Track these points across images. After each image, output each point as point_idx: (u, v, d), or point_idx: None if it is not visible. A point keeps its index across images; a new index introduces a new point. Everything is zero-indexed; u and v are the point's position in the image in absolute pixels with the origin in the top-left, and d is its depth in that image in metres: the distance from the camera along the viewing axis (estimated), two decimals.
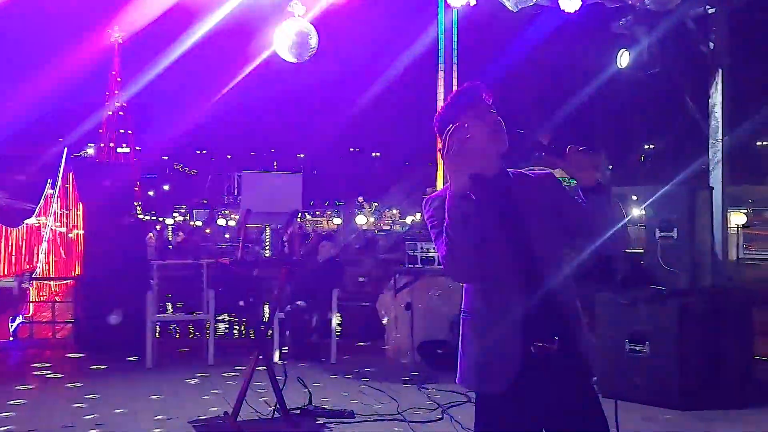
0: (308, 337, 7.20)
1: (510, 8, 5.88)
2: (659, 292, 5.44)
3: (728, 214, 7.35)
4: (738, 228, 21.12)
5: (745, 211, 27.44)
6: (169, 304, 9.94)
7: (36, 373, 6.38)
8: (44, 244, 17.03)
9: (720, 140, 6.42)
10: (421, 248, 6.70)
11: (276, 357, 6.75)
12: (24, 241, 17.08)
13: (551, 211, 2.10)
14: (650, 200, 5.74)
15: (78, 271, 9.85)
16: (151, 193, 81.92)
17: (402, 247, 7.90)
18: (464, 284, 2.16)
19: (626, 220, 2.09)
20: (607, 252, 2.14)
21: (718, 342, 5.27)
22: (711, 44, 6.36)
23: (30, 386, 5.88)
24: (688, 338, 5.22)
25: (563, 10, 6.00)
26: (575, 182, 2.09)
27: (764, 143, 37.24)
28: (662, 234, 5.62)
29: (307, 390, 5.13)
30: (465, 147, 1.89)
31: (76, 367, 6.72)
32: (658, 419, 4.97)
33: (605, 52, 6.49)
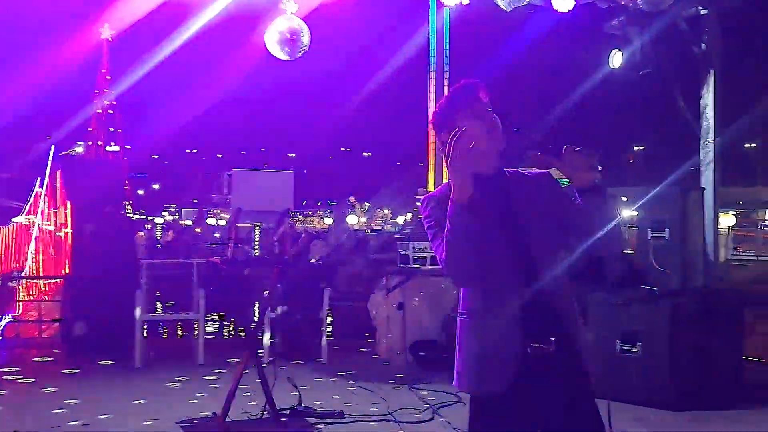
0: (298, 337, 7.16)
1: (503, 8, 5.86)
2: (651, 293, 5.44)
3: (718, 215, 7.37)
4: (728, 229, 21.24)
5: (734, 212, 27.61)
6: (158, 303, 9.86)
7: (21, 372, 6.31)
8: (32, 243, 16.88)
9: (711, 141, 6.44)
10: (414, 248, 6.67)
11: (265, 357, 6.70)
12: (13, 240, 16.91)
13: (548, 212, 2.08)
14: (642, 201, 5.74)
15: (66, 269, 9.75)
16: (140, 191, 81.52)
17: (394, 246, 7.88)
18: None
19: (618, 219, 2.07)
20: (602, 254, 2.12)
21: (709, 342, 5.27)
22: (703, 45, 6.37)
23: (24, 380, 5.82)
24: (680, 339, 5.22)
25: (556, 10, 6.00)
26: (568, 182, 2.06)
27: (753, 145, 37.49)
28: (654, 234, 5.62)
29: (297, 390, 5.09)
30: (469, 154, 1.86)
31: (62, 366, 6.65)
32: (649, 419, 4.96)
33: (598, 53, 6.49)
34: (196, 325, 7.07)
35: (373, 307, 7.46)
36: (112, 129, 75.47)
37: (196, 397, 5.51)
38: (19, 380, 6.04)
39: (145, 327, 7.63)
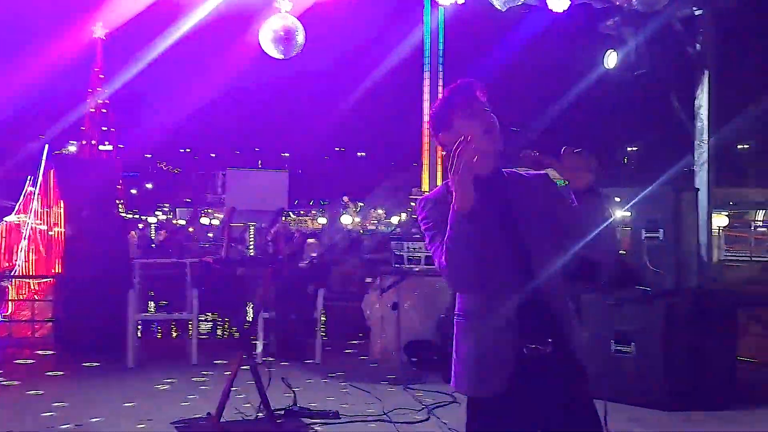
0: (292, 338, 7.13)
1: (498, 7, 5.85)
2: (645, 293, 5.44)
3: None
4: (720, 230, 21.32)
5: (727, 213, 27.71)
6: (151, 303, 9.82)
7: (13, 372, 6.27)
8: (24, 242, 16.80)
9: (706, 141, 6.45)
10: (408, 248, 6.66)
11: (260, 357, 6.68)
12: (3, 239, 16.83)
13: (545, 213, 2.07)
14: (636, 201, 5.75)
15: (58, 269, 9.69)
16: (133, 191, 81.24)
17: (387, 246, 7.87)
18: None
19: (613, 221, 2.06)
20: (597, 258, 2.12)
21: (703, 343, 5.28)
22: (698, 46, 6.38)
23: (13, 382, 5.78)
24: (674, 339, 5.23)
25: (551, 10, 5.99)
26: (564, 183, 2.05)
27: (745, 146, 37.68)
28: (648, 235, 5.63)
29: (291, 390, 5.07)
30: (473, 163, 1.85)
31: (55, 366, 6.60)
32: (643, 420, 4.97)
33: (593, 53, 6.49)
34: (189, 325, 7.04)
35: (367, 307, 7.44)
36: (105, 128, 75.21)
37: (190, 397, 5.48)
38: (11, 381, 5.99)
39: (139, 327, 7.60)
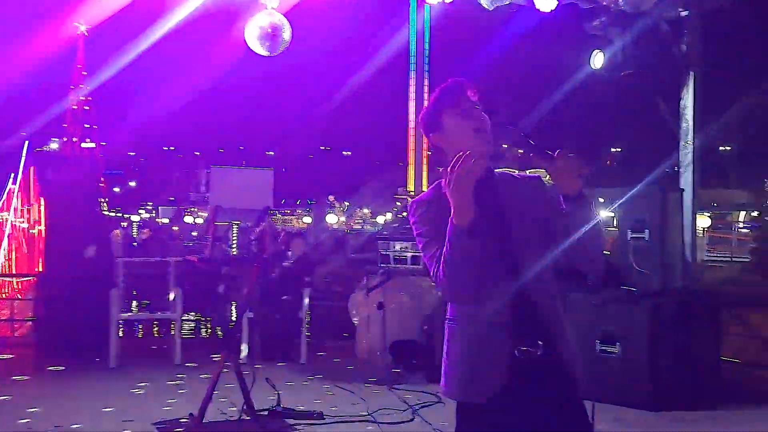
0: (277, 337, 7.08)
1: (486, 6, 5.83)
2: (630, 294, 5.45)
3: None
4: (702, 231, 21.53)
5: (709, 214, 28.00)
6: (134, 302, 9.72)
7: None
8: (5, 240, 16.59)
9: (691, 142, 6.47)
10: (394, 247, 6.63)
11: (243, 357, 6.61)
12: None
13: (537, 216, 2.04)
14: (621, 201, 5.76)
15: (39, 267, 9.56)
16: (116, 189, 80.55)
17: (373, 246, 7.83)
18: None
19: (599, 225, 2.03)
20: (582, 266, 2.10)
21: (688, 343, 5.30)
22: (684, 47, 6.40)
23: None
24: (659, 339, 5.24)
25: (539, 10, 5.98)
26: (550, 183, 2.03)
27: (727, 147, 38.05)
28: (634, 235, 5.64)
29: (275, 391, 5.02)
30: (470, 179, 1.82)
31: (36, 365, 6.51)
32: (629, 420, 4.98)
33: (579, 53, 6.49)
34: (173, 325, 6.97)
35: (353, 306, 7.41)
36: (87, 125, 74.49)
37: (173, 398, 5.41)
38: None
39: (121, 326, 7.51)
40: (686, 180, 6.54)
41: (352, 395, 5.54)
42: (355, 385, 5.81)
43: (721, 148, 36.77)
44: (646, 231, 5.57)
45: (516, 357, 1.95)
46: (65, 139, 69.38)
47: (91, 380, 5.99)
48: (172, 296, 6.85)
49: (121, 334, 7.29)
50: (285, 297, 7.09)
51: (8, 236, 16.84)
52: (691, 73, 6.42)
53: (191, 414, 4.66)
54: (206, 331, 12.57)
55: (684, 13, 6.37)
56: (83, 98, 72.08)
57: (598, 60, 6.35)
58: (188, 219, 44.19)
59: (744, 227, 26.88)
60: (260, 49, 5.67)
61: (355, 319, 7.36)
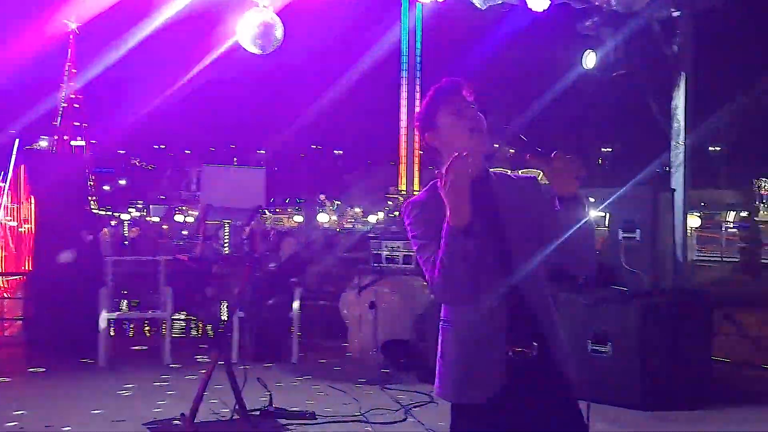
0: (268, 337, 7.05)
1: (478, 6, 5.83)
2: (622, 293, 5.46)
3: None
4: (691, 231, 21.64)
5: (699, 214, 28.15)
6: (124, 301, 9.66)
7: None
8: None
9: (682, 143, 6.49)
10: (386, 247, 6.62)
11: (235, 357, 6.59)
12: None
13: (532, 217, 2.03)
14: (611, 201, 5.77)
15: (28, 266, 9.49)
16: (106, 187, 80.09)
17: (365, 245, 7.82)
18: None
19: (590, 228, 2.03)
20: (573, 268, 2.09)
21: (679, 343, 5.31)
22: (675, 47, 6.42)
23: None
24: (651, 339, 5.25)
25: (531, 10, 5.98)
26: (548, 186, 2.02)
27: (716, 148, 38.27)
28: (625, 235, 5.65)
29: (267, 391, 5.00)
30: (466, 179, 1.81)
31: (24, 365, 6.46)
32: (620, 419, 4.98)
33: (572, 53, 6.50)
34: (163, 324, 6.93)
35: (344, 306, 7.39)
36: (77, 123, 74.09)
37: (164, 398, 5.38)
38: None
39: (111, 326, 7.45)
40: (677, 180, 6.57)
41: (345, 395, 5.52)
42: (347, 385, 5.80)
43: (710, 148, 37.00)
44: (638, 231, 5.58)
45: (511, 358, 1.94)
46: (55, 137, 68.97)
47: (80, 380, 5.95)
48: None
49: (112, 333, 7.24)
50: (273, 299, 7.06)
51: None
52: (683, 74, 6.45)
53: (183, 414, 4.64)
54: (197, 331, 12.51)
55: (676, 14, 6.39)
56: (73, 96, 71.69)
57: (590, 60, 6.37)
58: (179, 218, 43.98)
59: (733, 227, 27.03)
60: (252, 48, 5.64)
61: (347, 318, 7.34)
